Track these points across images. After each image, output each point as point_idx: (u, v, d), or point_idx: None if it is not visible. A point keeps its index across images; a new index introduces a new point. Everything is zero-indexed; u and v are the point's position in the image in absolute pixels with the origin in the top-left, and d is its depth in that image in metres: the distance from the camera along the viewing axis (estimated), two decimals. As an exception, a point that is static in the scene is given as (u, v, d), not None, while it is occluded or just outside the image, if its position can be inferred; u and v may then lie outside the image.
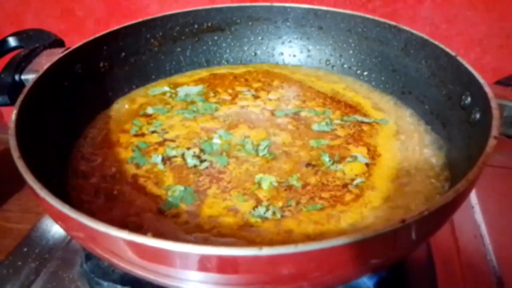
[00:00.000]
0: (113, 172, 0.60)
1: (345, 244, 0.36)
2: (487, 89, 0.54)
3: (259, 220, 0.52)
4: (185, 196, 0.56)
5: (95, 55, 0.70)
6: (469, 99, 0.59)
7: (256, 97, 0.75)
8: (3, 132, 0.47)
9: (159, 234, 0.50)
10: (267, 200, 0.55)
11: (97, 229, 0.38)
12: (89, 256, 0.60)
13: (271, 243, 0.49)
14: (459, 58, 0.61)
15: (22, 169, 0.43)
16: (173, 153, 0.63)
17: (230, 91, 0.77)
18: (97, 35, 0.69)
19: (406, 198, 0.55)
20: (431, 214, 0.38)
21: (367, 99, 0.74)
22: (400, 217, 0.37)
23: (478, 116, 0.56)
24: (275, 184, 0.57)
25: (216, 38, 0.84)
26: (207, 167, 0.60)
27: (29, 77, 0.64)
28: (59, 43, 0.72)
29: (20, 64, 0.65)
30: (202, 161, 0.61)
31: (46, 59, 0.66)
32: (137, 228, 0.51)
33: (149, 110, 0.72)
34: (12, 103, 0.63)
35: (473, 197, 0.77)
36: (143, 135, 0.67)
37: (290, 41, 0.85)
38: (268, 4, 0.82)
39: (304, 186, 0.57)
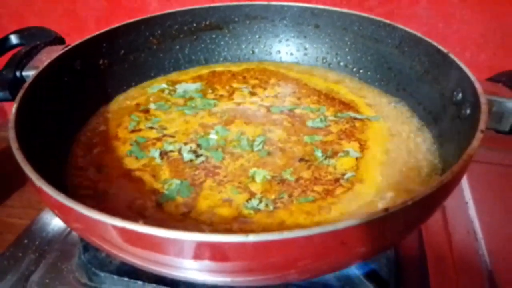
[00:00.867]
0: (111, 166, 0.61)
1: (329, 232, 0.37)
2: (477, 85, 0.55)
3: (252, 211, 0.53)
4: (182, 189, 0.57)
5: (95, 52, 0.72)
6: (460, 95, 0.60)
7: (253, 94, 0.77)
8: (6, 130, 0.48)
9: (156, 224, 0.51)
10: (260, 193, 0.56)
11: (91, 216, 0.39)
12: (86, 248, 0.61)
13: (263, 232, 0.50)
14: (452, 55, 0.62)
15: (20, 160, 0.45)
16: (170, 147, 0.64)
17: (227, 88, 0.79)
18: (97, 32, 0.71)
19: (396, 191, 0.56)
20: (414, 204, 0.39)
21: (361, 96, 0.75)
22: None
23: (468, 111, 0.57)
24: (268, 177, 0.58)
25: (214, 36, 0.85)
26: (202, 162, 0.62)
27: (29, 73, 0.66)
28: (60, 40, 0.73)
29: (21, 61, 0.66)
30: (198, 156, 0.62)
31: (47, 56, 0.68)
32: (134, 220, 0.53)
33: (148, 106, 0.74)
34: (13, 98, 0.64)
35: (467, 193, 0.78)
36: (141, 130, 0.68)
37: (287, 39, 0.86)
38: (265, 2, 0.83)
39: (297, 180, 0.58)
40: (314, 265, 0.43)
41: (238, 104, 0.74)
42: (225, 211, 0.54)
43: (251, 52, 0.87)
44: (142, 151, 0.64)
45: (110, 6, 1.03)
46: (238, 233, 0.36)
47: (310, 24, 0.83)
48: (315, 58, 0.85)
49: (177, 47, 0.83)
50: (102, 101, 0.74)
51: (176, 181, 0.58)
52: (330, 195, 0.55)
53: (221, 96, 0.76)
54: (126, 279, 0.58)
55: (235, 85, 0.79)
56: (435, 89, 0.66)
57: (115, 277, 0.58)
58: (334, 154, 0.62)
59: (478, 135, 0.48)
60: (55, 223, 0.70)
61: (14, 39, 0.73)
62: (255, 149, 0.63)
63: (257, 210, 0.54)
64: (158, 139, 0.66)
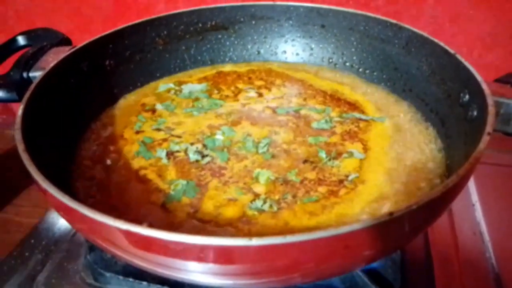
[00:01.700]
0: (117, 166, 0.62)
1: (332, 236, 0.37)
2: (484, 86, 0.55)
3: (256, 212, 0.53)
4: (188, 189, 0.57)
5: (101, 53, 0.72)
6: (467, 96, 0.59)
7: (258, 95, 0.76)
8: (13, 129, 0.49)
9: (161, 226, 0.52)
10: (264, 193, 0.56)
11: (95, 218, 0.39)
12: (92, 248, 0.62)
13: (267, 233, 0.50)
14: (458, 56, 0.62)
15: (26, 161, 0.45)
16: (177, 148, 0.64)
17: (233, 89, 0.79)
18: (103, 33, 0.71)
19: (400, 192, 0.55)
20: (419, 208, 0.39)
21: (367, 96, 0.75)
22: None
23: (475, 113, 0.56)
24: (272, 178, 0.58)
25: (220, 36, 0.85)
26: (208, 162, 0.62)
27: (36, 74, 0.66)
28: (67, 41, 0.74)
29: (28, 62, 0.67)
30: (204, 156, 0.63)
31: (53, 57, 0.68)
32: (141, 221, 0.53)
33: (154, 106, 0.74)
34: (20, 99, 0.65)
35: (474, 194, 0.77)
36: (148, 130, 0.68)
37: (293, 40, 0.85)
38: (271, 2, 0.83)
39: (301, 181, 0.58)
40: (318, 269, 0.42)
41: (244, 105, 0.74)
42: (230, 212, 0.54)
43: (256, 52, 0.87)
44: (149, 151, 0.64)
45: (116, 7, 1.04)
46: (242, 237, 0.36)
47: (316, 24, 0.82)
48: (321, 58, 0.84)
49: (183, 47, 0.83)
50: (108, 102, 0.74)
51: (182, 182, 0.58)
52: (334, 195, 0.55)
53: (227, 96, 0.76)
54: (131, 279, 0.58)
55: (240, 86, 0.79)
56: (442, 90, 0.66)
57: (120, 277, 0.59)
58: (338, 155, 0.62)
59: (485, 138, 0.47)
60: (62, 223, 0.70)
61: (21, 40, 0.73)
62: (260, 151, 0.63)
63: (261, 211, 0.54)
64: (165, 140, 0.66)
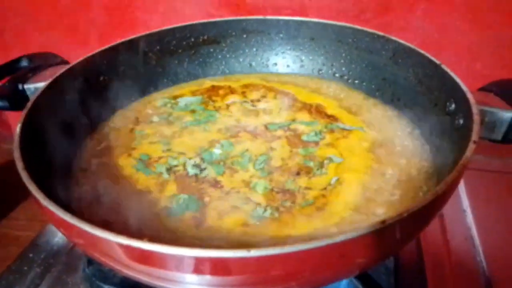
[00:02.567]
0: (115, 181, 0.62)
1: (328, 245, 0.38)
2: (469, 95, 0.57)
3: (257, 221, 0.55)
4: (189, 203, 0.58)
5: (95, 69, 0.73)
6: (453, 105, 0.61)
7: (251, 109, 0.77)
8: (9, 143, 0.50)
9: (164, 240, 0.52)
10: (264, 202, 0.58)
11: (96, 234, 0.40)
12: (91, 261, 0.63)
13: (270, 240, 0.52)
14: (444, 66, 0.64)
15: (25, 179, 0.46)
16: (175, 162, 0.65)
17: (227, 102, 0.80)
18: (96, 50, 0.72)
19: (387, 202, 0.57)
20: (410, 216, 0.41)
21: (355, 107, 0.76)
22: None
23: (461, 121, 0.58)
24: (269, 187, 0.59)
25: (212, 50, 0.87)
26: (206, 176, 0.63)
27: (31, 86, 0.68)
28: (64, 63, 0.75)
29: (25, 75, 0.69)
30: (202, 170, 0.64)
31: (50, 73, 0.70)
32: (141, 236, 0.53)
33: (151, 120, 0.75)
34: (11, 107, 0.67)
35: (464, 200, 0.79)
36: (144, 145, 0.69)
37: (283, 52, 0.87)
38: (261, 17, 0.85)
39: (298, 190, 0.59)
40: (315, 277, 0.44)
41: (239, 120, 0.75)
42: (232, 222, 0.55)
43: (248, 65, 0.89)
44: (147, 168, 0.64)
45: (112, 22, 1.05)
46: (240, 249, 0.37)
47: (306, 37, 0.85)
48: (311, 69, 0.86)
49: (176, 61, 0.85)
50: (103, 117, 0.75)
51: (184, 196, 0.59)
52: (324, 197, 0.58)
53: (220, 108, 0.78)
54: (129, 292, 0.59)
55: (234, 99, 0.81)
56: (429, 99, 0.68)
57: (119, 290, 0.59)
58: (323, 163, 0.63)
59: (471, 146, 0.49)
60: (60, 236, 0.71)
61: (24, 61, 0.75)
62: (256, 167, 0.64)
63: (262, 218, 0.55)
64: (162, 154, 0.67)
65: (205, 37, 0.85)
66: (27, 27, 1.09)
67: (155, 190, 0.61)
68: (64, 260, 0.67)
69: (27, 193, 0.45)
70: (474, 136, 0.50)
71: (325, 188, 0.59)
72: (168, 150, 0.68)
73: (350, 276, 0.56)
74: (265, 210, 0.56)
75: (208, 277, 0.41)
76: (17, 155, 0.50)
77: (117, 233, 0.39)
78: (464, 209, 0.77)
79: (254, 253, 0.37)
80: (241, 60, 0.88)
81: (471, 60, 0.90)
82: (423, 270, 0.65)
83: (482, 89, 0.66)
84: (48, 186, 0.49)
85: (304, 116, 0.75)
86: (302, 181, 0.61)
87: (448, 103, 0.62)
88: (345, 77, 0.83)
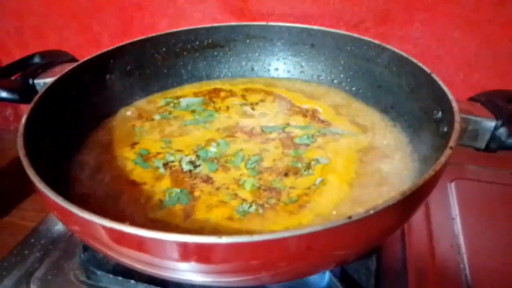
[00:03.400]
0: (114, 173, 0.66)
1: (294, 236, 0.40)
2: (454, 104, 0.59)
3: (242, 216, 0.58)
4: (181, 197, 0.61)
5: (103, 67, 0.78)
6: (440, 113, 0.63)
7: (250, 112, 0.80)
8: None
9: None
10: (251, 199, 0.60)
11: (83, 217, 0.43)
12: (86, 248, 0.66)
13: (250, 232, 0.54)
14: (434, 75, 0.66)
15: (25, 165, 0.50)
16: (171, 158, 0.69)
17: (227, 104, 0.83)
18: (105, 49, 0.77)
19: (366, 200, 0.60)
20: (376, 214, 0.43)
21: (350, 112, 0.79)
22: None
23: (445, 129, 0.60)
24: (257, 185, 0.62)
25: (215, 54, 0.90)
26: (200, 172, 0.66)
27: (40, 81, 0.73)
28: (74, 61, 0.80)
29: (36, 71, 0.73)
30: (196, 166, 0.67)
31: (59, 69, 0.74)
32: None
33: (152, 118, 0.79)
34: (21, 100, 0.71)
35: (454, 208, 0.80)
36: (144, 141, 0.73)
37: (284, 58, 0.90)
38: (264, 23, 0.88)
39: (284, 188, 0.62)
40: (285, 269, 0.46)
41: (237, 121, 0.78)
42: (219, 215, 0.58)
43: (250, 69, 0.92)
44: (145, 162, 0.68)
45: (122, 24, 1.10)
46: (212, 235, 0.40)
47: (306, 43, 0.87)
48: (311, 75, 0.89)
49: (181, 63, 0.88)
50: (107, 113, 0.79)
51: (176, 190, 0.62)
52: (307, 196, 0.60)
53: (219, 108, 0.81)
54: (120, 278, 0.62)
55: (234, 101, 0.84)
56: (419, 107, 0.69)
57: (111, 276, 0.63)
58: (310, 165, 0.66)
59: (447, 152, 0.51)
60: (61, 224, 0.75)
61: (37, 58, 0.80)
62: (248, 166, 0.67)
63: (247, 213, 0.58)
64: (161, 150, 0.70)
65: (210, 41, 0.89)
66: (43, 27, 1.15)
67: (150, 183, 0.64)
68: (62, 247, 0.71)
69: (35, 186, 0.49)
70: (452, 143, 0.52)
71: (309, 188, 0.61)
72: (167, 146, 0.72)
73: (326, 269, 0.58)
74: (250, 205, 0.59)
75: (183, 263, 0.43)
76: (20, 143, 0.54)
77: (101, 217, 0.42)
78: (453, 217, 0.77)
79: (225, 239, 0.40)
80: (243, 64, 0.92)
81: (469, 70, 0.92)
82: (405, 273, 0.66)
83: (471, 99, 0.67)
84: (50, 175, 0.53)
85: (299, 120, 0.78)
86: (289, 180, 0.63)
87: (435, 111, 0.64)
88: (343, 84, 0.85)
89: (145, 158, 0.69)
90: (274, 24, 0.88)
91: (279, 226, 0.56)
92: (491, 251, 0.71)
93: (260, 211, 0.58)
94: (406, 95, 0.73)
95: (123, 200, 0.62)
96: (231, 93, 0.87)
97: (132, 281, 0.62)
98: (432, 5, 0.87)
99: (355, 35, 0.80)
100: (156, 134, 0.75)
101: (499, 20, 0.84)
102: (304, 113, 0.80)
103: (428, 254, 0.71)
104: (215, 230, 0.56)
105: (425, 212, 0.78)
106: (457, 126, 0.55)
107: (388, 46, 0.75)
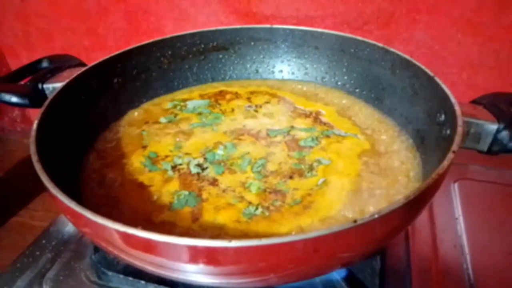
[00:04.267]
0: (123, 176, 0.67)
1: (301, 240, 0.42)
2: (457, 107, 0.59)
3: (249, 218, 0.59)
4: (189, 199, 0.63)
5: (110, 72, 0.79)
6: (443, 116, 0.64)
7: (255, 115, 0.81)
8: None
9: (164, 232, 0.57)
10: (257, 202, 0.61)
11: (97, 221, 0.45)
12: (97, 249, 0.68)
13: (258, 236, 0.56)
14: (437, 79, 0.66)
15: (38, 170, 0.51)
16: (179, 161, 0.70)
17: (233, 107, 0.84)
18: (112, 54, 0.78)
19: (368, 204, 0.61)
20: (381, 217, 0.44)
21: (353, 114, 0.80)
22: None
23: (448, 132, 0.61)
24: (263, 188, 0.63)
25: (221, 56, 0.91)
26: (207, 174, 0.67)
27: (50, 86, 0.74)
28: (82, 65, 0.81)
29: (45, 75, 0.74)
30: (204, 169, 0.68)
31: (67, 74, 0.76)
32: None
33: (159, 120, 0.80)
34: (31, 105, 0.73)
35: (458, 209, 0.81)
36: (152, 144, 0.74)
37: (289, 60, 0.91)
38: (268, 26, 0.89)
39: (289, 191, 0.63)
40: (292, 270, 0.47)
41: (243, 124, 0.79)
42: (226, 218, 0.59)
43: (255, 71, 0.93)
44: (154, 165, 0.69)
45: (129, 27, 1.11)
46: (222, 239, 0.41)
47: (310, 46, 0.88)
48: (315, 77, 0.90)
49: (186, 66, 0.90)
50: (115, 116, 0.80)
51: (185, 192, 0.64)
52: (310, 196, 0.62)
53: (225, 111, 0.82)
54: (130, 278, 0.64)
55: (239, 104, 0.85)
56: (423, 109, 0.70)
57: (121, 276, 0.64)
58: (313, 166, 0.67)
59: (450, 156, 0.52)
60: (71, 225, 0.77)
61: (45, 62, 0.81)
62: (254, 170, 0.68)
63: (254, 215, 0.59)
64: (169, 153, 0.72)
65: (215, 44, 0.90)
66: (51, 30, 1.16)
67: (158, 185, 0.65)
68: (73, 248, 0.73)
69: (44, 187, 0.50)
70: (454, 147, 0.53)
71: (311, 188, 0.63)
72: (175, 149, 0.73)
73: (332, 270, 0.59)
74: (257, 208, 0.60)
75: (193, 265, 0.45)
76: (32, 149, 0.55)
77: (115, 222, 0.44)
78: (456, 217, 0.79)
79: (234, 243, 0.41)
80: (248, 66, 0.93)
81: (472, 72, 0.92)
82: (409, 273, 0.67)
83: (474, 101, 0.68)
84: (61, 179, 0.54)
85: (304, 122, 0.79)
86: (293, 182, 0.65)
87: (438, 114, 0.65)
88: (347, 86, 0.86)
89: (153, 160, 0.71)
90: (278, 27, 0.89)
91: (285, 228, 0.57)
92: (494, 251, 0.72)
93: (266, 213, 0.60)
94: (409, 98, 0.74)
95: (132, 202, 0.63)
96: (237, 95, 0.88)
97: (142, 282, 0.63)
98: (435, 7, 0.88)
99: (359, 37, 0.81)
100: (164, 136, 0.76)
101: (502, 22, 0.85)
102: (308, 115, 0.81)
103: (431, 254, 0.72)
104: (223, 233, 0.57)
105: (429, 212, 0.79)
106: (459, 130, 0.56)
107: (392, 49, 0.76)
